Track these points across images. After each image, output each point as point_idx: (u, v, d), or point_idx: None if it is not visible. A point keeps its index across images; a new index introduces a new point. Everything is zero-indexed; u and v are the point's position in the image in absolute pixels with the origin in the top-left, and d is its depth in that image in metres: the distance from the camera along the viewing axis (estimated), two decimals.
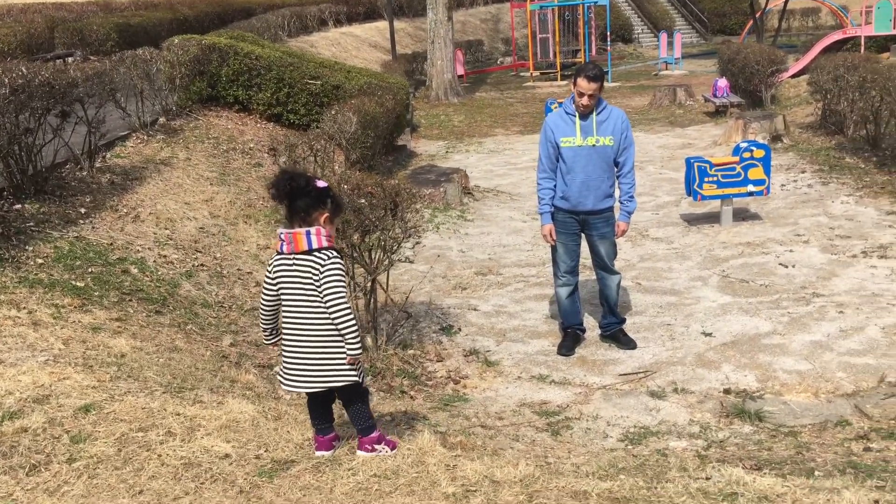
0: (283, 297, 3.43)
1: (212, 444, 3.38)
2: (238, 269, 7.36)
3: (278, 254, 3.42)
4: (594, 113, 5.49)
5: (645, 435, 4.62)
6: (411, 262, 6.76)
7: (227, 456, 3.29)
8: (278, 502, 2.95)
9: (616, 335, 5.92)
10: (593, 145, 5.49)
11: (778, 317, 6.22)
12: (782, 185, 10.16)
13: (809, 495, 3.25)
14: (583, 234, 5.77)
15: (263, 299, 3.51)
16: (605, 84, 22.54)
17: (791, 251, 7.73)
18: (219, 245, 7.75)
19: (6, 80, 6.53)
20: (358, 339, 3.38)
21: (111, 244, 6.83)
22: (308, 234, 3.34)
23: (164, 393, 4.00)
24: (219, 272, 7.18)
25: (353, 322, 3.36)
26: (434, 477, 3.13)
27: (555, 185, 5.64)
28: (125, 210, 7.65)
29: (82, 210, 7.30)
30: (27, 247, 6.17)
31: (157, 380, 4.26)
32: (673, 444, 4.47)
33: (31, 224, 6.66)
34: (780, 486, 3.34)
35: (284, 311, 3.43)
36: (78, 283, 5.83)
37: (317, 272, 3.33)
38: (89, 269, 6.16)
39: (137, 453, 3.28)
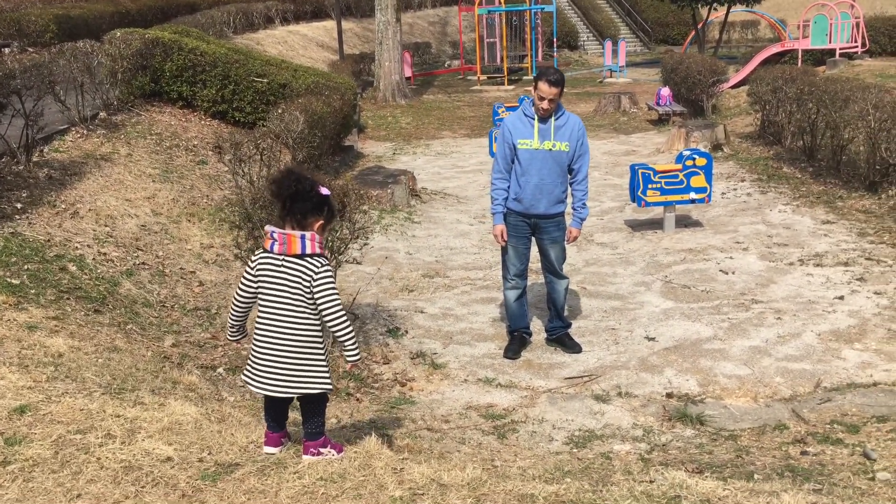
0: (262, 296, 3.38)
1: (153, 446, 3.30)
2: (181, 269, 7.21)
3: (265, 251, 3.37)
4: (553, 118, 5.54)
5: (590, 438, 4.66)
6: (359, 263, 6.70)
7: (168, 459, 3.22)
8: None
9: (562, 339, 5.98)
10: (549, 149, 5.53)
11: (718, 322, 6.35)
12: (723, 194, 10.39)
13: (750, 498, 3.32)
14: (533, 238, 5.81)
15: (240, 294, 3.45)
16: None
17: (731, 258, 7.90)
18: (161, 243, 7.59)
19: None
20: (356, 346, 3.40)
21: (48, 241, 6.64)
22: (303, 238, 3.31)
23: (103, 394, 3.89)
24: (161, 271, 7.03)
25: (351, 330, 3.38)
26: (381, 480, 3.11)
27: (508, 187, 5.67)
28: (63, 206, 7.44)
29: (18, 205, 7.08)
30: None
31: (95, 381, 4.15)
32: (617, 448, 4.52)
33: None
34: (721, 489, 3.40)
35: (261, 311, 3.37)
36: (13, 281, 5.65)
37: (308, 278, 3.30)
38: (25, 266, 5.97)
39: (75, 456, 3.19)
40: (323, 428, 3.51)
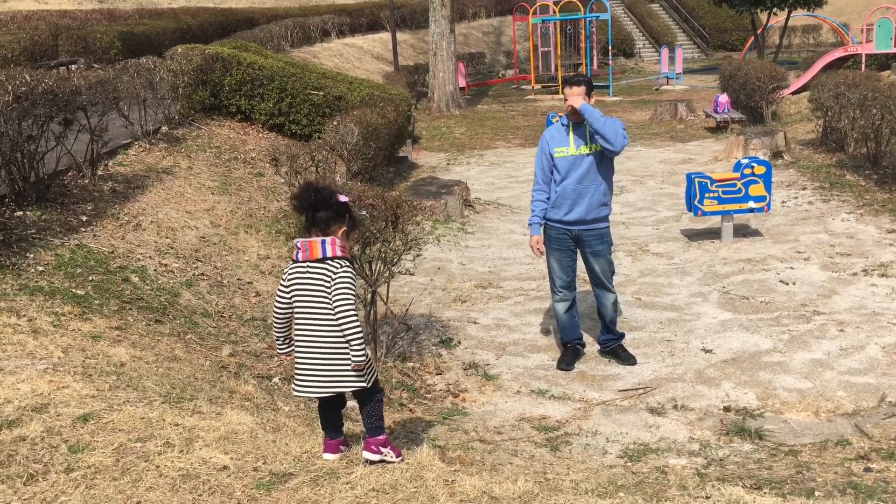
0: (296, 304, 3.53)
1: (210, 455, 3.37)
2: (238, 279, 7.35)
3: (294, 262, 3.54)
4: (586, 123, 5.53)
5: (644, 452, 4.60)
6: (412, 274, 6.76)
7: (225, 468, 3.28)
8: None
9: (615, 351, 5.92)
10: (586, 154, 5.52)
11: (778, 334, 6.21)
12: (783, 202, 10.17)
13: None
14: (578, 251, 5.77)
15: (277, 307, 3.61)
16: (606, 98, 22.47)
17: (791, 268, 7.73)
18: (219, 254, 7.74)
19: (9, 88, 6.54)
20: (362, 345, 3.46)
21: (112, 252, 6.83)
22: (323, 242, 3.47)
23: (162, 403, 3.98)
24: (219, 282, 7.17)
25: (359, 330, 3.44)
26: (433, 492, 3.12)
27: (547, 198, 5.67)
28: (126, 218, 7.65)
29: (84, 218, 7.30)
30: (28, 254, 6.16)
31: (156, 389, 4.25)
32: (672, 462, 4.45)
33: (33, 231, 6.65)
34: None
35: (297, 318, 3.53)
36: (78, 291, 5.82)
37: (329, 279, 3.43)
38: (90, 278, 6.15)
39: (135, 464, 3.27)
40: (382, 424, 3.60)
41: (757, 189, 8.70)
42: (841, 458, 4.43)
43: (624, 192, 11.64)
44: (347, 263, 3.50)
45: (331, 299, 3.42)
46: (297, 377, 3.55)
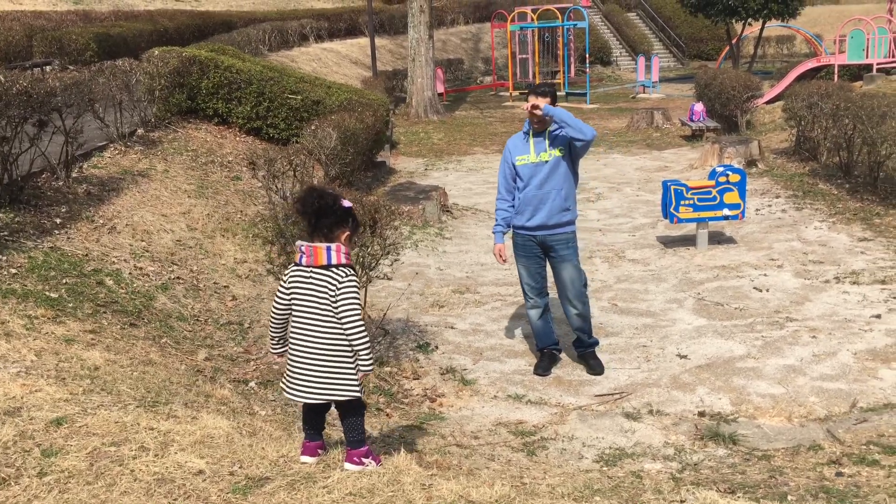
0: (294, 307, 3.54)
1: (185, 459, 3.34)
2: (214, 283, 7.31)
3: (296, 265, 3.54)
4: (548, 130, 5.57)
5: (620, 456, 4.63)
6: (389, 279, 6.75)
7: (200, 472, 3.26)
8: None
9: (585, 357, 5.93)
10: (546, 160, 5.56)
11: (752, 340, 6.28)
12: (757, 210, 10.29)
13: None
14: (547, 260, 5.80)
15: (275, 308, 3.61)
16: (583, 105, 22.59)
17: (765, 275, 7.81)
18: (195, 258, 7.69)
19: None
20: (371, 356, 3.50)
21: (86, 255, 6.76)
22: (329, 249, 3.46)
23: (137, 407, 3.95)
24: (195, 285, 7.13)
25: (367, 340, 3.48)
26: (409, 496, 3.12)
27: (510, 206, 5.72)
28: (101, 221, 7.58)
29: (58, 220, 7.23)
30: (0, 256, 6.09)
31: (130, 393, 4.21)
32: (648, 466, 4.48)
33: (6, 233, 6.57)
34: None
35: (294, 321, 3.54)
36: (52, 294, 5.76)
37: (333, 288, 3.44)
38: (63, 281, 6.09)
39: (109, 468, 3.24)
40: (363, 436, 3.62)
41: (731, 197, 8.79)
42: (813, 463, 4.48)
43: (601, 198, 11.72)
44: (352, 272, 3.51)
45: (335, 309, 3.42)
46: (289, 380, 3.54)
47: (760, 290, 7.40)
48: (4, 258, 6.08)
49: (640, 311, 7.05)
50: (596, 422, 5.11)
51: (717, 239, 9.11)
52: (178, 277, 7.13)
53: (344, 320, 3.43)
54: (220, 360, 5.71)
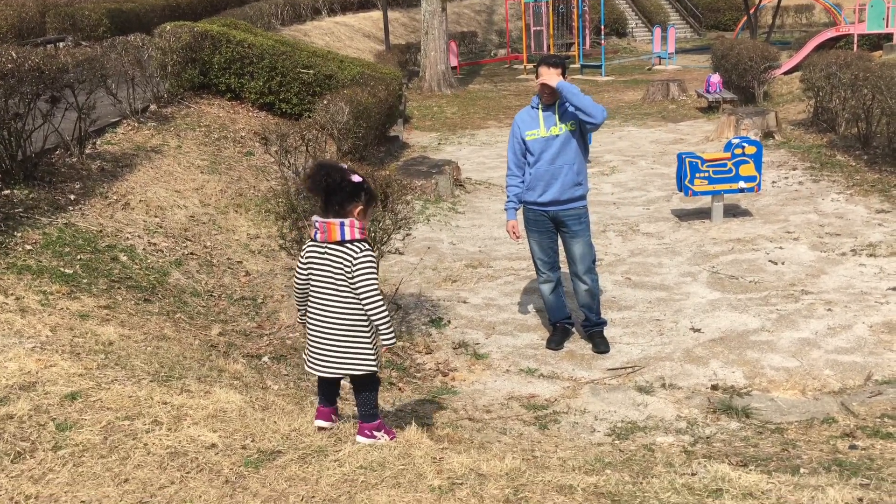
0: (312, 282, 3.55)
1: (198, 433, 3.37)
2: (228, 259, 7.33)
3: (311, 241, 3.54)
4: (557, 104, 5.50)
5: (632, 430, 4.63)
6: (401, 253, 6.74)
7: (213, 446, 3.28)
8: (264, 493, 2.94)
9: (592, 336, 5.89)
10: (557, 135, 5.51)
11: (766, 314, 6.24)
12: (773, 182, 10.19)
13: (794, 492, 3.27)
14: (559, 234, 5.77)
15: (296, 283, 3.64)
16: (598, 78, 22.39)
17: (781, 248, 7.75)
18: (209, 234, 7.72)
19: None
20: (392, 329, 3.50)
21: (100, 231, 6.80)
22: (342, 225, 3.44)
23: (151, 381, 3.98)
24: (208, 261, 7.15)
25: (387, 314, 3.47)
26: (420, 469, 3.13)
27: (521, 182, 5.67)
28: (115, 197, 7.60)
29: (72, 196, 7.26)
30: (16, 233, 6.12)
31: (144, 368, 4.25)
32: (660, 440, 4.48)
33: (20, 210, 6.61)
34: (765, 482, 3.36)
35: (312, 297, 3.55)
36: (66, 270, 5.80)
37: (349, 264, 3.43)
38: (78, 257, 6.12)
39: (123, 442, 3.27)
40: (377, 410, 3.63)
41: (747, 169, 8.70)
42: (827, 436, 4.46)
43: (615, 172, 11.65)
44: (367, 247, 3.49)
45: (353, 285, 3.42)
46: (309, 353, 3.58)
47: (776, 263, 7.35)
48: (19, 234, 6.11)
49: (654, 285, 7.02)
50: (608, 395, 5.11)
51: (733, 212, 9.04)
52: (191, 253, 7.16)
53: (362, 296, 3.42)
54: (234, 336, 5.73)
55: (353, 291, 3.44)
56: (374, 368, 3.54)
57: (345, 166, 3.52)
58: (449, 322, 6.31)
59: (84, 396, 3.68)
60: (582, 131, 5.60)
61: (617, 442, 4.44)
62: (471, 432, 4.36)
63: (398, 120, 14.42)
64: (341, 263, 3.44)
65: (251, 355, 5.36)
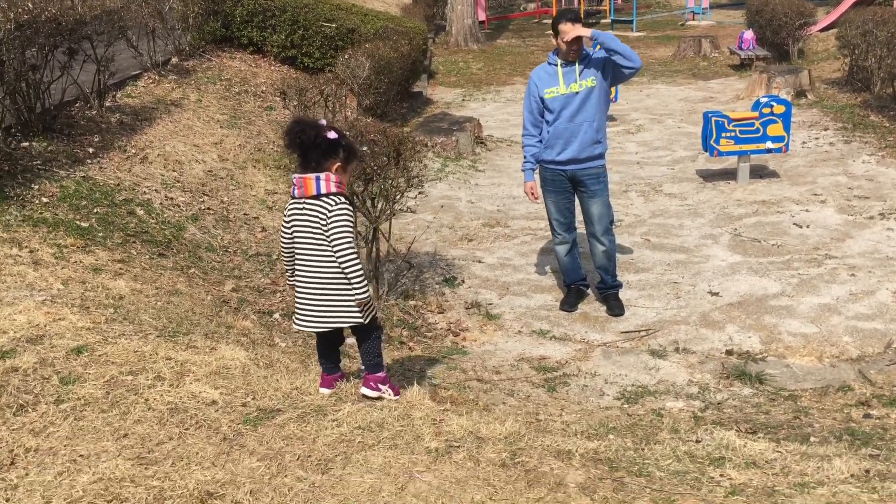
0: (295, 240, 3.54)
1: (200, 389, 3.37)
2: (245, 214, 7.32)
3: (292, 198, 3.53)
4: (577, 61, 5.36)
5: (642, 394, 4.58)
6: (413, 212, 6.68)
7: (213, 402, 3.29)
8: (260, 451, 2.94)
9: (607, 299, 5.80)
10: (577, 91, 5.38)
11: (787, 278, 6.12)
12: (803, 143, 9.94)
13: (800, 462, 3.21)
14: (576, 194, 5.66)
15: (281, 243, 3.64)
16: (630, 33, 21.91)
17: (807, 210, 7.58)
18: (226, 189, 7.70)
19: (11, 16, 6.44)
20: (363, 282, 3.46)
21: (118, 185, 6.80)
22: (318, 179, 3.43)
23: (157, 337, 3.99)
24: (225, 216, 7.15)
25: (359, 266, 3.45)
26: (418, 431, 3.11)
27: (538, 141, 5.55)
28: (133, 151, 7.60)
29: (90, 149, 7.26)
30: (33, 185, 6.14)
31: (152, 323, 4.26)
32: (669, 405, 4.43)
33: (38, 162, 6.62)
34: (771, 451, 3.30)
35: (297, 254, 3.55)
36: (82, 224, 5.81)
37: (324, 216, 3.41)
38: (94, 210, 6.13)
39: (125, 397, 3.28)
40: (380, 360, 3.62)
41: (775, 129, 8.48)
42: (841, 404, 4.38)
43: (641, 130, 11.44)
44: (343, 200, 3.46)
45: (328, 237, 3.40)
46: (296, 311, 3.57)
47: (800, 227, 7.19)
48: (37, 187, 6.13)
49: (674, 247, 6.91)
50: (620, 359, 5.05)
51: (760, 173, 8.84)
52: (208, 208, 7.15)
53: (335, 248, 3.40)
54: (247, 291, 5.74)
55: (328, 244, 3.41)
56: (360, 320, 3.50)
57: (322, 122, 3.48)
58: (463, 281, 6.26)
59: (90, 350, 3.70)
60: (603, 87, 5.45)
61: (625, 406, 4.40)
62: (477, 393, 4.34)
63: (422, 75, 14.24)
64: (317, 217, 3.42)
65: (262, 311, 5.36)
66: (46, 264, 4.94)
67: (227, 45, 11.95)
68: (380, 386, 3.52)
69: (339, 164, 3.49)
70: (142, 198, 6.76)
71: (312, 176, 3.43)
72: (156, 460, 2.85)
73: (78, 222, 5.81)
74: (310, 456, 2.91)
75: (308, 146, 3.42)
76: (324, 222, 3.41)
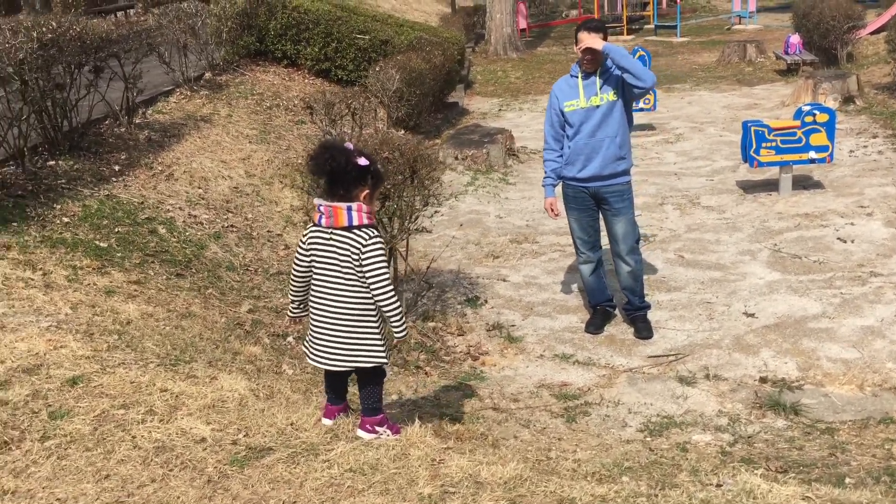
0: (315, 270, 3.35)
1: (191, 425, 3.24)
2: (268, 231, 7.23)
3: (315, 225, 3.33)
4: (598, 72, 5.13)
5: (667, 426, 4.33)
6: (429, 231, 6.49)
7: (203, 440, 3.15)
8: (244, 495, 2.79)
9: (634, 321, 5.54)
10: (597, 105, 5.14)
11: (829, 297, 5.80)
12: (850, 151, 9.54)
13: None
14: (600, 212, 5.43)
15: (295, 271, 3.44)
16: (674, 39, 21.52)
17: (852, 224, 7.22)
18: (251, 205, 7.63)
19: (34, 35, 6.44)
20: (403, 321, 3.30)
21: (142, 203, 6.76)
22: (350, 209, 3.23)
23: (157, 366, 3.87)
24: (248, 234, 7.06)
25: (398, 304, 3.28)
26: (414, 474, 2.93)
27: (559, 156, 5.33)
28: (160, 168, 7.57)
29: (116, 167, 7.24)
30: (55, 205, 6.12)
31: (154, 350, 4.15)
32: (696, 438, 4.18)
33: (63, 181, 6.61)
34: (798, 498, 3.05)
35: (315, 285, 3.36)
36: (101, 244, 5.76)
37: (357, 250, 3.22)
38: (116, 229, 6.09)
39: (112, 433, 3.16)
40: (380, 404, 3.45)
41: (818, 138, 8.13)
42: (882, 439, 4.09)
43: (680, 139, 11.11)
44: (376, 232, 3.28)
45: (363, 273, 3.22)
46: (312, 346, 3.39)
47: (845, 241, 6.84)
48: (59, 206, 6.11)
49: (709, 264, 6.62)
50: (646, 386, 4.80)
51: (803, 184, 8.48)
52: (231, 226, 7.08)
53: (373, 285, 3.22)
54: (264, 312, 5.62)
55: (362, 280, 3.23)
56: (384, 360, 3.34)
57: (351, 147, 3.29)
58: (486, 301, 6.07)
59: (85, 381, 3.59)
60: (626, 101, 5.23)
61: (648, 439, 4.15)
62: (490, 424, 4.14)
63: (458, 85, 14.09)
64: (349, 250, 3.22)
65: (276, 334, 5.23)
66: (58, 287, 4.88)
67: (262, 58, 11.97)
68: (377, 428, 3.35)
69: (367, 191, 3.30)
70: (165, 216, 6.71)
71: (343, 206, 3.22)
72: None
73: (97, 242, 5.76)
74: (295, 502, 2.75)
75: (338, 173, 3.22)
76: (356, 257, 3.21)
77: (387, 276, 3.24)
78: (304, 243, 3.38)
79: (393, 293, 3.25)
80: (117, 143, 7.77)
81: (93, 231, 5.94)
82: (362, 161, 3.28)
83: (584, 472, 3.20)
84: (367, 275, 3.21)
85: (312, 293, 3.38)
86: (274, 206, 7.73)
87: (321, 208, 3.28)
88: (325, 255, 3.29)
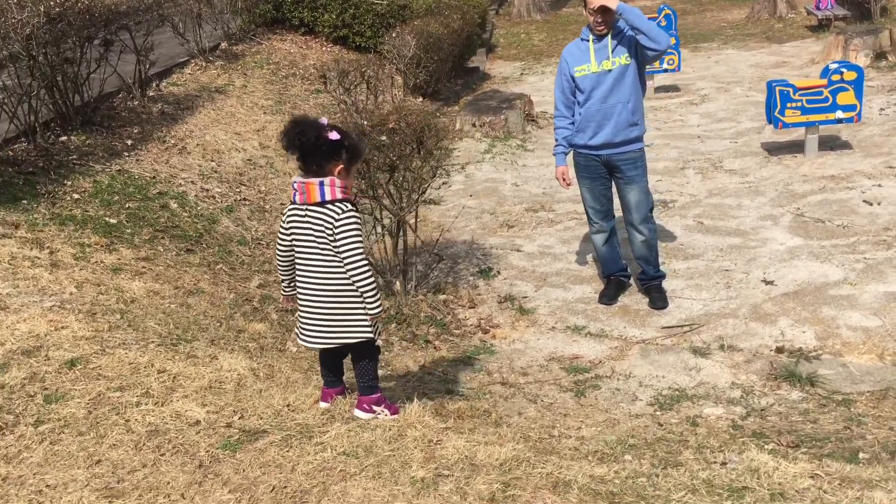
0: (296, 248, 3.29)
1: (185, 408, 3.21)
2: (281, 204, 7.18)
3: (292, 203, 3.28)
4: (609, 35, 4.95)
5: (678, 399, 4.23)
6: (437, 203, 6.38)
7: (197, 423, 3.12)
8: (235, 480, 2.75)
9: (648, 290, 5.40)
10: (609, 69, 4.96)
11: (852, 263, 5.62)
12: (881, 110, 9.22)
13: (837, 490, 2.84)
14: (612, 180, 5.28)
15: (278, 251, 3.39)
16: None
17: (879, 185, 6.99)
18: (265, 178, 7.58)
19: (41, 9, 6.39)
20: (377, 296, 3.23)
21: (154, 178, 6.74)
22: (321, 184, 3.16)
23: (158, 346, 3.85)
24: (261, 206, 7.02)
25: (371, 279, 3.21)
26: (408, 456, 2.87)
27: (571, 123, 5.17)
28: (172, 141, 7.53)
29: (129, 142, 7.22)
30: (66, 181, 6.11)
31: (156, 330, 4.13)
32: (707, 411, 4.07)
33: (74, 157, 6.60)
34: (806, 476, 2.95)
35: (298, 264, 3.31)
36: (111, 220, 5.75)
37: (330, 225, 3.16)
38: (126, 205, 6.07)
39: (106, 417, 3.14)
40: (376, 382, 3.40)
41: (846, 97, 7.85)
42: None
43: (705, 101, 10.84)
44: (350, 206, 3.20)
45: (336, 248, 3.16)
46: (300, 327, 3.34)
47: (870, 204, 6.62)
48: (69, 183, 6.10)
49: (728, 230, 6.45)
50: (658, 358, 4.70)
51: (830, 144, 8.22)
52: (244, 199, 7.03)
53: (345, 259, 3.15)
54: (273, 287, 5.58)
55: (335, 254, 3.17)
56: (370, 335, 3.28)
57: (323, 122, 3.19)
58: (498, 273, 5.97)
59: (84, 363, 3.58)
60: (639, 64, 5.05)
61: (658, 413, 4.06)
62: (496, 400, 4.07)
63: (479, 49, 13.86)
64: (323, 225, 3.16)
65: (285, 310, 5.19)
66: (65, 266, 4.87)
67: (279, 26, 11.85)
68: (374, 407, 3.29)
69: (341, 166, 3.22)
70: (176, 190, 6.68)
71: (315, 181, 3.16)
72: (123, 492, 2.70)
73: (107, 219, 5.74)
74: (285, 487, 2.71)
75: (308, 149, 3.16)
76: (330, 231, 3.16)
77: (359, 249, 3.17)
78: (284, 222, 3.32)
79: (367, 268, 3.18)
80: (130, 117, 7.74)
81: (103, 207, 5.92)
82: (333, 135, 3.19)
83: (586, 451, 3.12)
84: (340, 249, 3.15)
85: (297, 272, 3.32)
86: (287, 178, 7.66)
87: (295, 185, 3.23)
88: (302, 232, 3.23)
